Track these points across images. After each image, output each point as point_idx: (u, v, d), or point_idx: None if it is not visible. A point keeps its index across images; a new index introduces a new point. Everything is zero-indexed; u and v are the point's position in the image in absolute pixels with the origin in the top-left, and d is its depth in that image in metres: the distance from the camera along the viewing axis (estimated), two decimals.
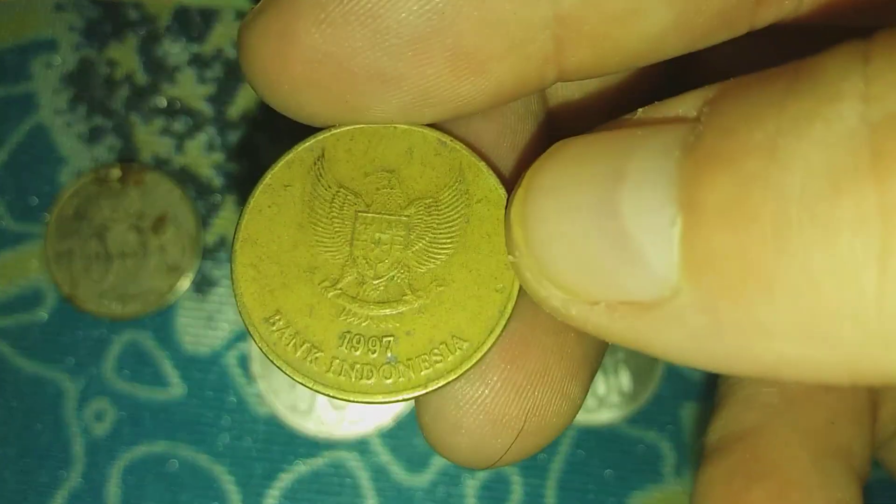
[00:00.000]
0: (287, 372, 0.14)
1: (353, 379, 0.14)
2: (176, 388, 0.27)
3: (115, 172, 0.27)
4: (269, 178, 0.15)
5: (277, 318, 0.14)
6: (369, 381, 0.14)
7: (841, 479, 0.17)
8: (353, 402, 0.14)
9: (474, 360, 0.14)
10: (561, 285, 0.13)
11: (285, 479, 0.27)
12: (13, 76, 0.28)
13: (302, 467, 0.27)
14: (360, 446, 0.27)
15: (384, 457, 0.27)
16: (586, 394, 0.16)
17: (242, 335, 0.27)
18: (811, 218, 0.10)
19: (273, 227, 0.15)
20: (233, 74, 0.28)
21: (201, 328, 0.27)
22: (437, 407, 0.15)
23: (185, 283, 0.27)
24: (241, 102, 0.28)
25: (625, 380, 0.27)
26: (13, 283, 0.27)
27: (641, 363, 0.27)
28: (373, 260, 0.15)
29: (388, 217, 0.15)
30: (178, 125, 0.28)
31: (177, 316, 0.27)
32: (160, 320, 0.27)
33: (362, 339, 0.14)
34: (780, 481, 0.17)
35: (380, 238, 0.15)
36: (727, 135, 0.11)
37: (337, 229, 0.15)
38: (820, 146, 0.10)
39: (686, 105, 0.12)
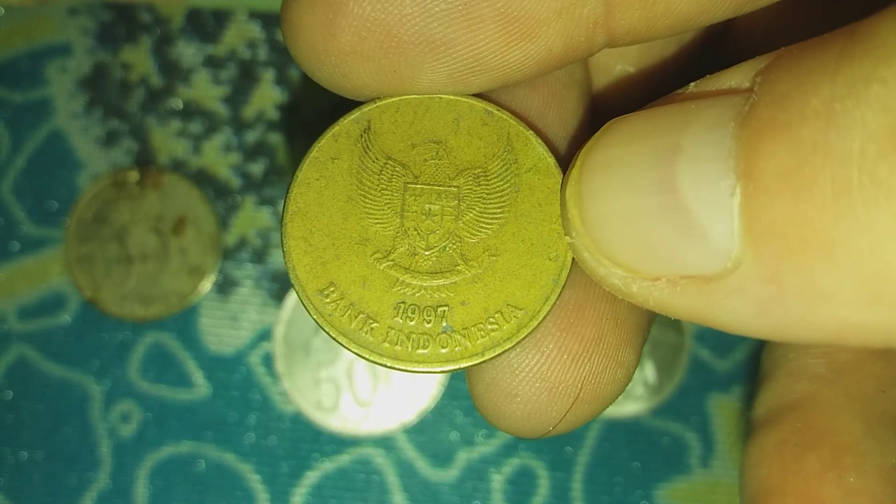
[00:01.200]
0: (343, 343, 0.14)
1: (410, 348, 0.14)
2: (201, 388, 0.27)
3: (133, 175, 0.27)
4: (316, 151, 0.15)
5: (331, 289, 0.14)
6: (425, 351, 0.14)
7: (894, 445, 0.17)
8: (411, 371, 0.14)
9: (530, 329, 0.14)
10: (620, 263, 0.13)
11: (312, 477, 0.27)
12: (29, 82, 0.28)
13: (328, 465, 0.27)
14: (385, 442, 0.27)
15: (410, 452, 0.27)
16: (638, 362, 0.16)
17: (266, 334, 0.27)
18: (872, 181, 0.10)
19: (322, 199, 0.15)
20: (247, 75, 0.28)
21: (225, 328, 0.27)
22: (492, 376, 0.15)
23: (206, 285, 0.27)
24: (257, 102, 0.28)
25: (650, 372, 0.27)
26: (36, 288, 0.27)
27: (666, 355, 0.27)
28: (424, 231, 0.15)
29: (437, 188, 0.15)
30: (195, 127, 0.28)
31: (200, 317, 0.27)
32: (183, 322, 0.27)
33: (417, 308, 0.14)
34: (833, 448, 0.16)
35: (430, 209, 0.15)
36: (782, 102, 0.11)
37: (387, 201, 0.15)
38: (878, 108, 0.10)
39: (738, 76, 0.12)
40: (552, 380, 0.15)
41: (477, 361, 0.14)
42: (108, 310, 0.27)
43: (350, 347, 0.14)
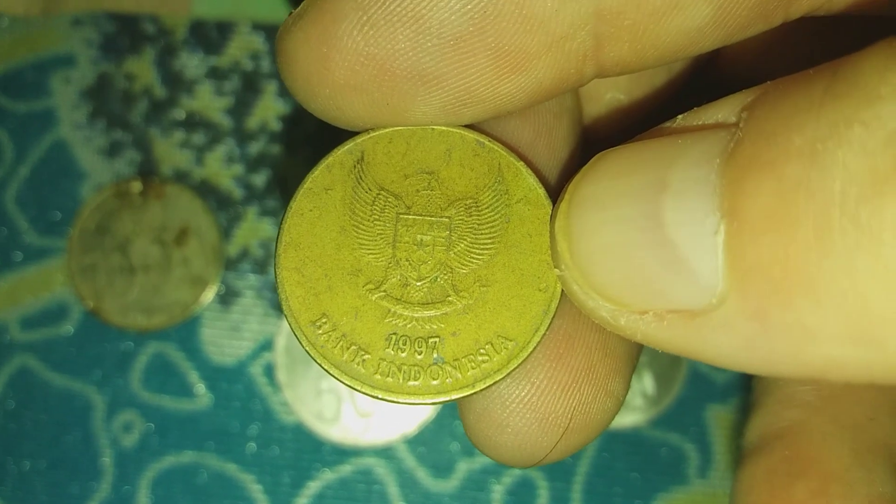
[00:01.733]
0: (335, 375, 0.14)
1: (401, 380, 0.14)
2: (203, 398, 0.27)
3: (136, 186, 0.27)
4: (310, 182, 0.15)
5: (324, 321, 0.15)
6: (416, 383, 0.14)
7: (883, 473, 0.17)
8: (401, 403, 0.14)
9: (520, 359, 0.15)
10: (608, 297, 0.13)
11: (313, 487, 0.27)
12: (33, 92, 0.28)
13: (329, 475, 0.27)
14: (386, 453, 0.27)
15: (410, 463, 0.27)
16: (628, 391, 0.17)
17: (267, 345, 0.27)
18: (853, 223, 0.10)
19: (315, 230, 0.15)
20: (250, 86, 0.28)
21: (226, 339, 0.27)
22: (483, 407, 0.15)
23: (209, 295, 0.27)
24: (259, 114, 0.28)
25: (648, 383, 0.27)
26: (38, 298, 0.28)
27: (664, 367, 0.28)
28: (416, 262, 0.15)
29: (429, 218, 0.15)
30: (198, 138, 0.28)
31: (202, 327, 0.27)
32: (185, 332, 0.27)
33: (408, 340, 0.15)
34: (821, 476, 0.17)
35: (422, 240, 0.15)
36: (767, 140, 0.11)
37: (379, 231, 0.15)
38: (859, 151, 0.10)
39: (725, 110, 0.12)
40: (542, 411, 0.15)
41: (467, 393, 0.14)
42: (110, 320, 0.27)
43: (342, 379, 0.14)
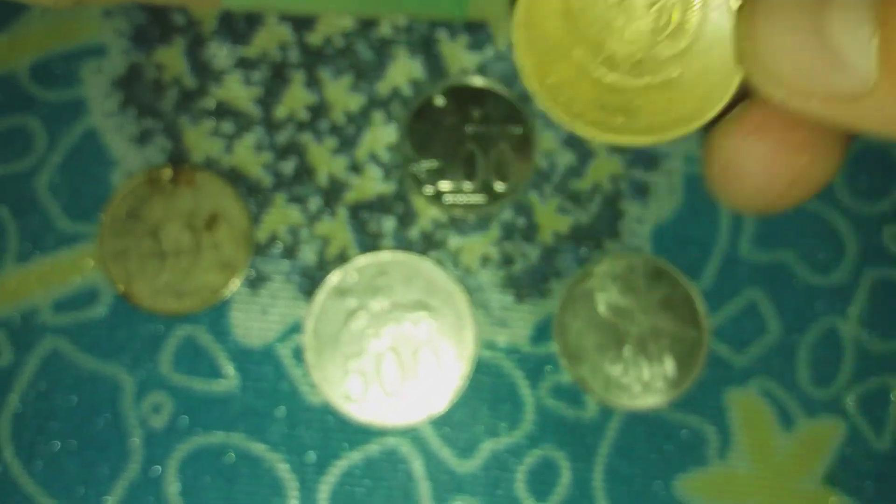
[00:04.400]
0: (564, 120, 0.16)
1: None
2: (231, 380, 0.28)
3: (167, 173, 0.28)
4: None
5: (551, 80, 0.16)
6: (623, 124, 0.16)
7: None
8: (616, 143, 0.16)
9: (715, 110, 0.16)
10: (783, 86, 0.16)
11: (340, 466, 0.28)
12: (64, 81, 0.29)
13: (356, 454, 0.28)
14: (411, 433, 0.28)
15: (435, 443, 0.28)
16: (837, 166, 0.19)
17: (295, 327, 0.28)
18: None
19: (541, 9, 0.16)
20: (278, 77, 0.29)
21: (255, 322, 0.28)
22: (727, 159, 0.18)
23: (238, 279, 0.28)
24: (288, 103, 0.29)
25: (669, 366, 0.28)
26: (69, 282, 0.28)
27: (685, 351, 0.29)
28: (628, 35, 0.16)
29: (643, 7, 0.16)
30: (227, 126, 0.29)
31: (231, 311, 0.28)
32: (215, 315, 0.28)
33: (616, 107, 0.16)
34: None
35: (634, 14, 0.16)
36: None
37: (599, 13, 0.16)
38: None
39: None
40: (775, 165, 0.18)
41: (680, 133, 0.16)
42: (141, 303, 0.28)
43: (571, 125, 0.16)
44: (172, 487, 0.28)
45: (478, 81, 0.29)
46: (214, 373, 0.28)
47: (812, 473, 0.29)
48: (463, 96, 0.29)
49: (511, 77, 0.30)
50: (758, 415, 0.29)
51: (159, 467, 0.28)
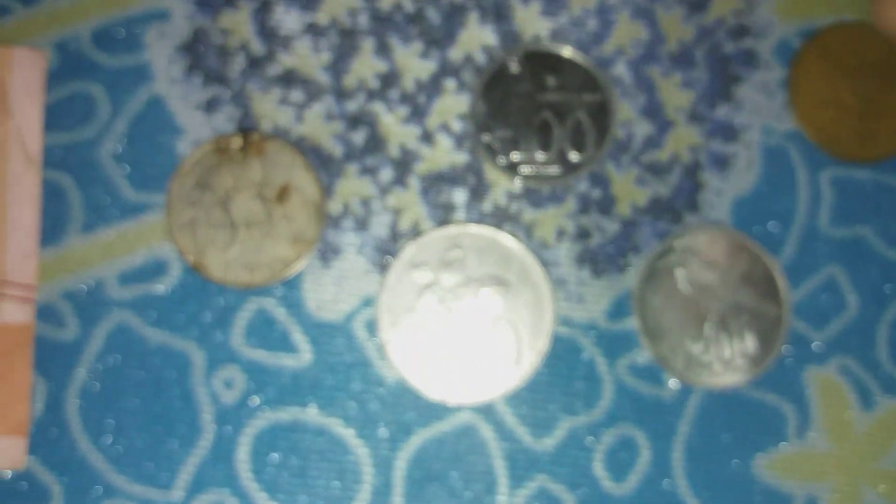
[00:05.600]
0: None
1: None
2: (304, 354, 0.28)
3: (236, 142, 0.27)
4: None
5: None
6: None
7: None
8: None
9: None
10: None
11: (414, 443, 0.27)
12: (127, 47, 0.29)
13: (430, 431, 0.28)
14: (486, 410, 0.28)
15: (510, 421, 0.28)
16: None
17: (368, 301, 0.28)
18: None
19: None
20: (348, 43, 0.28)
21: (328, 295, 0.28)
22: None
23: (310, 252, 0.27)
24: (358, 70, 0.28)
25: (750, 343, 0.28)
26: (136, 254, 0.28)
27: (765, 328, 0.28)
28: None
29: None
30: (296, 95, 0.28)
31: (303, 283, 0.28)
32: (287, 288, 0.28)
33: None
34: None
35: None
36: None
37: None
38: None
39: None
40: None
41: None
42: (212, 276, 0.27)
43: None
44: (243, 464, 0.27)
45: (554, 48, 0.29)
46: (286, 347, 0.28)
47: (891, 453, 0.28)
48: (538, 63, 0.29)
49: (587, 42, 0.29)
50: (837, 393, 0.28)
51: (230, 443, 0.27)
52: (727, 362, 0.28)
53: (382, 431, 0.28)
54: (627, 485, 0.28)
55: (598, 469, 0.28)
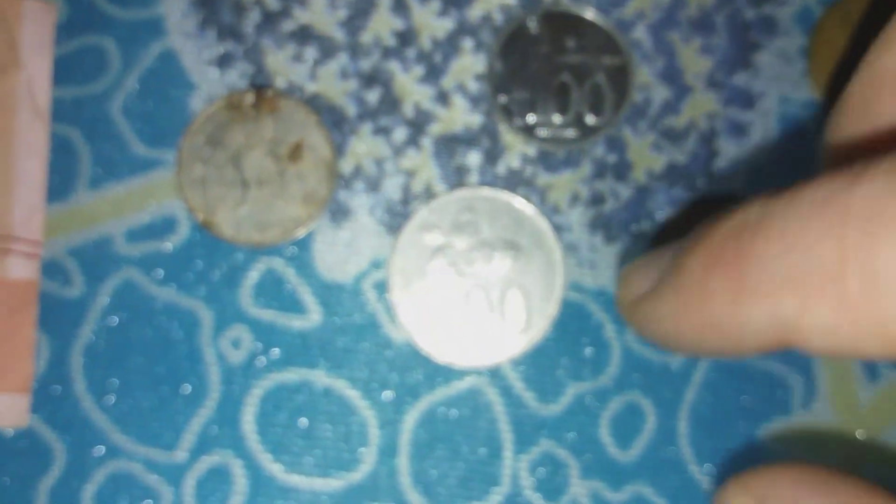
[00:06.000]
0: None
1: None
2: (313, 314, 0.27)
3: (249, 98, 0.27)
4: None
5: None
6: None
7: None
8: None
9: None
10: None
11: (421, 405, 0.27)
12: (140, 0, 0.28)
13: (438, 393, 0.27)
14: (494, 374, 0.27)
15: (517, 385, 0.27)
16: None
17: (379, 263, 0.27)
18: None
19: None
20: (365, 0, 0.28)
21: (338, 256, 0.27)
22: None
23: (322, 212, 0.27)
24: (374, 27, 0.28)
25: None
26: (145, 210, 0.27)
27: None
28: None
29: None
30: (311, 51, 0.28)
31: (314, 244, 0.27)
32: (297, 248, 0.27)
33: None
34: None
35: None
36: None
37: None
38: None
39: None
40: None
41: None
42: (222, 234, 0.27)
43: None
44: (249, 425, 0.27)
45: (574, 9, 0.28)
46: (296, 307, 0.27)
47: (895, 426, 0.28)
48: (557, 24, 0.27)
49: (607, 4, 0.28)
50: (843, 365, 0.28)
51: (237, 402, 0.27)
52: None
53: (389, 394, 0.27)
54: (632, 451, 0.27)
55: (604, 435, 0.27)
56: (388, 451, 0.27)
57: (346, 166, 0.27)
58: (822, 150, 0.20)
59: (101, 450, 0.26)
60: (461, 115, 0.27)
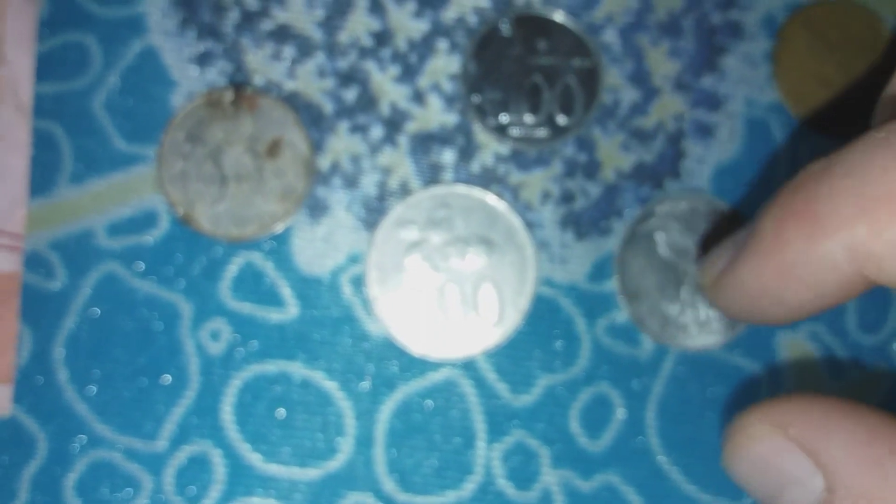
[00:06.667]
0: None
1: None
2: (291, 308, 0.28)
3: (228, 95, 0.27)
4: None
5: None
6: None
7: None
8: None
9: None
10: None
11: (397, 397, 0.28)
12: None
13: (413, 385, 0.28)
14: (468, 366, 0.28)
15: (490, 377, 0.28)
16: None
17: (356, 257, 0.28)
18: None
19: None
20: (342, 0, 0.28)
21: (316, 250, 0.28)
22: None
23: (299, 207, 0.27)
24: (351, 27, 0.28)
25: None
26: (126, 205, 0.28)
27: None
28: None
29: None
30: (289, 50, 0.28)
31: (292, 238, 0.28)
32: (275, 243, 0.28)
33: None
34: None
35: None
36: None
37: None
38: None
39: None
40: None
41: None
42: (201, 228, 0.27)
43: None
44: (228, 415, 0.28)
45: (545, 12, 0.29)
46: (274, 300, 0.27)
47: None
48: (529, 27, 0.28)
49: (578, 8, 0.29)
50: (807, 359, 0.29)
51: (216, 394, 0.27)
52: (703, 324, 0.29)
53: (366, 385, 0.27)
54: (602, 441, 0.27)
55: (574, 426, 0.28)
56: (365, 440, 0.27)
57: (324, 163, 0.28)
58: (878, 105, 0.21)
59: (82, 439, 0.27)
60: (436, 115, 0.28)
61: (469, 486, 0.27)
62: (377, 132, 0.28)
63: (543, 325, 0.28)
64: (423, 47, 0.28)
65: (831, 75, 0.29)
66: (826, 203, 0.15)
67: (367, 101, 0.28)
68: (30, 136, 0.27)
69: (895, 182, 0.14)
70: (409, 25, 0.28)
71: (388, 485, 0.27)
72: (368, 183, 0.27)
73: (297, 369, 0.27)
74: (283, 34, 0.28)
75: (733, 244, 0.19)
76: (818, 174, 0.16)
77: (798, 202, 0.16)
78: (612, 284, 0.28)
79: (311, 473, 0.27)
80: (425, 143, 0.28)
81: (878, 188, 0.14)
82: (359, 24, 0.28)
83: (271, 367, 0.27)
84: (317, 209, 0.27)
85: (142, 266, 0.27)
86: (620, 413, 0.28)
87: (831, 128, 0.29)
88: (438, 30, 0.28)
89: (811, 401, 0.17)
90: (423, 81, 0.28)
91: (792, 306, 0.17)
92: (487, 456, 0.27)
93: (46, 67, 0.27)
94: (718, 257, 0.20)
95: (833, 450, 0.15)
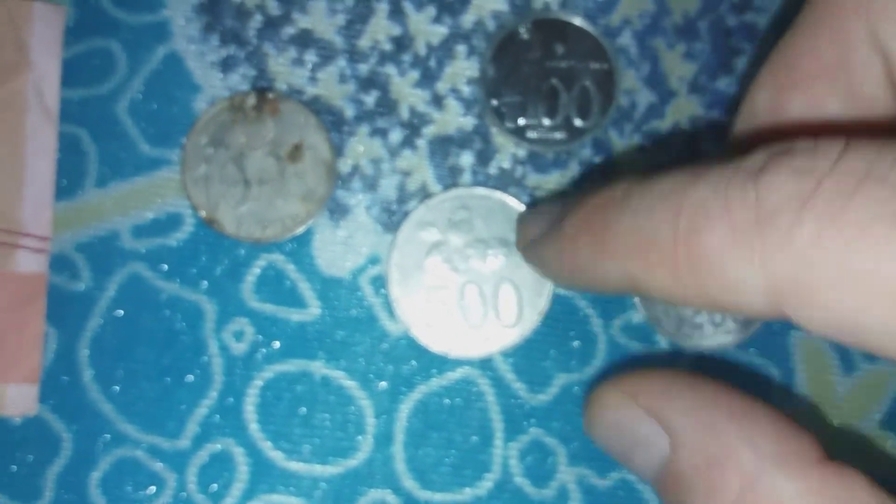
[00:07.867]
0: None
1: None
2: (313, 308, 0.28)
3: (251, 100, 0.28)
4: None
5: None
6: None
7: None
8: None
9: None
10: None
11: (416, 395, 0.28)
12: (147, 4, 0.28)
13: (433, 383, 0.28)
14: (486, 365, 0.28)
15: (508, 376, 0.28)
16: None
17: (376, 259, 0.28)
18: None
19: None
20: (363, 6, 0.29)
21: (337, 252, 0.28)
22: None
23: (320, 210, 0.28)
24: (372, 33, 0.29)
25: None
26: (150, 208, 0.28)
27: None
28: None
29: None
30: (311, 56, 0.28)
31: (313, 240, 0.28)
32: (297, 244, 0.28)
33: None
34: None
35: None
36: None
37: None
38: None
39: None
40: None
41: None
42: (224, 230, 0.27)
43: None
44: (251, 414, 0.28)
45: (563, 16, 0.29)
46: (296, 301, 0.27)
47: (869, 418, 0.28)
48: (547, 31, 0.28)
49: (595, 12, 0.29)
50: (820, 357, 0.29)
51: (239, 393, 0.27)
52: (718, 324, 0.29)
53: (385, 384, 0.27)
54: None
55: None
56: (384, 438, 0.28)
57: (345, 166, 0.28)
58: (728, 137, 0.24)
59: (106, 438, 0.27)
60: (455, 118, 0.28)
61: (486, 484, 0.28)
62: (397, 135, 0.28)
63: (561, 326, 0.28)
64: (442, 52, 0.28)
65: None
66: (613, 233, 0.18)
67: (387, 106, 0.28)
68: (56, 140, 0.27)
69: (666, 237, 0.17)
70: (428, 30, 0.28)
71: (407, 482, 0.27)
72: (388, 185, 0.28)
73: (318, 368, 0.27)
74: (304, 39, 0.28)
75: (548, 219, 0.22)
76: (616, 203, 0.18)
77: (595, 221, 0.19)
78: None
79: (332, 471, 0.27)
80: (444, 145, 0.28)
81: (653, 238, 0.17)
82: (379, 30, 0.28)
83: (293, 366, 0.27)
84: (337, 211, 0.27)
85: (166, 267, 0.27)
86: None
87: None
88: (457, 34, 0.28)
89: (659, 374, 0.20)
90: (442, 85, 0.28)
91: (581, 289, 0.24)
92: (505, 454, 0.28)
93: (72, 73, 0.28)
94: (532, 226, 0.23)
95: (676, 414, 0.18)
